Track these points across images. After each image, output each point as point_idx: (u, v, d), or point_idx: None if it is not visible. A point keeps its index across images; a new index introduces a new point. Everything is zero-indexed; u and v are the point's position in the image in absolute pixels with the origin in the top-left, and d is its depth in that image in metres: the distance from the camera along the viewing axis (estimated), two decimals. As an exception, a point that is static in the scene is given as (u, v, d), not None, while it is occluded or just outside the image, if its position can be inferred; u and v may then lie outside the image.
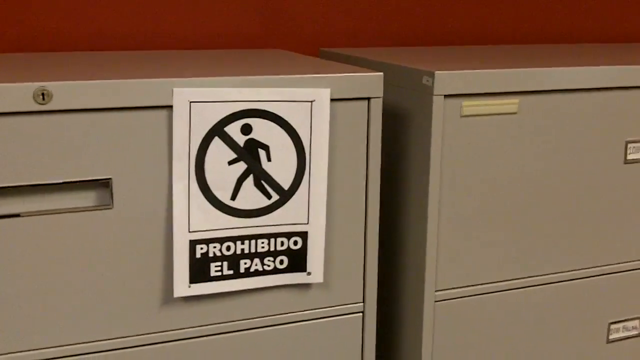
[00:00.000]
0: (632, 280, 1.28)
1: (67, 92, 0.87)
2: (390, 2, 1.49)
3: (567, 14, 1.64)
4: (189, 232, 0.96)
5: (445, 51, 1.39)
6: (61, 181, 0.90)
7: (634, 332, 1.31)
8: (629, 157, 1.22)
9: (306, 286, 1.05)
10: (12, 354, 0.92)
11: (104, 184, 0.92)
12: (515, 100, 1.12)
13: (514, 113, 1.12)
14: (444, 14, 1.54)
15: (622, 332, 1.30)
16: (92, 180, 0.91)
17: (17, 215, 0.89)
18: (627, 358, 1.32)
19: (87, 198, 0.92)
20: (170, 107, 0.92)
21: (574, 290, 1.24)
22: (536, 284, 1.21)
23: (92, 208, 0.92)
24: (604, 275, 1.26)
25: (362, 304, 1.09)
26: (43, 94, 0.86)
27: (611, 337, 1.29)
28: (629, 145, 1.22)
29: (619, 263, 1.27)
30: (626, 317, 1.30)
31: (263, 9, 1.41)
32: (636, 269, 1.28)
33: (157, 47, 1.36)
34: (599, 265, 1.25)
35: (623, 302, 1.29)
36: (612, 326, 1.29)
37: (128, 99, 0.90)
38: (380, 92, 1.02)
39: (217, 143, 0.95)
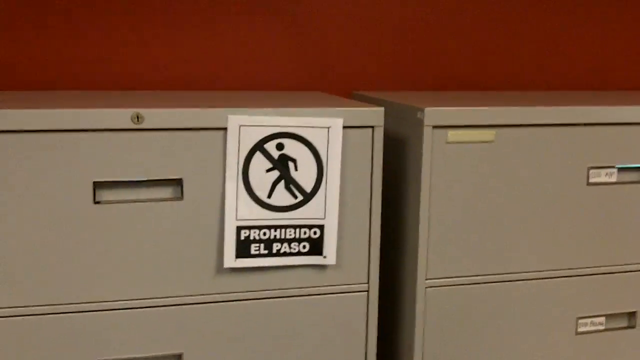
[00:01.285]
0: (598, 282, 1.60)
1: (154, 116, 1.28)
2: (414, 52, 1.87)
3: (542, 66, 1.98)
4: (236, 220, 1.35)
5: (448, 94, 1.76)
6: (148, 179, 1.30)
7: (600, 327, 1.62)
8: (591, 180, 1.55)
9: (322, 267, 1.42)
10: (125, 301, 1.32)
11: (178, 182, 1.32)
12: (492, 131, 1.47)
13: (491, 141, 1.48)
14: (454, 65, 1.91)
15: (590, 326, 1.61)
16: (169, 180, 1.31)
17: (126, 202, 1.30)
18: (593, 349, 1.62)
19: (166, 192, 1.32)
20: (226, 129, 1.32)
21: (546, 287, 1.57)
22: (513, 279, 1.54)
23: (169, 199, 1.32)
24: (574, 277, 1.58)
25: (367, 284, 1.45)
26: (138, 117, 1.27)
27: (579, 330, 1.60)
28: (590, 171, 1.55)
29: (587, 267, 1.58)
30: (594, 314, 1.61)
31: (307, 57, 1.81)
32: (600, 274, 1.59)
33: (220, 88, 1.77)
34: (569, 267, 1.57)
35: (590, 300, 1.60)
36: (580, 321, 1.60)
37: (196, 122, 1.30)
38: (381, 122, 1.40)
39: (258, 156, 1.34)
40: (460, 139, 1.46)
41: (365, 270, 1.45)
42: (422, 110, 1.43)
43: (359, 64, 1.85)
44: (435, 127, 1.44)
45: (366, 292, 1.46)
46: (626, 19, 2.02)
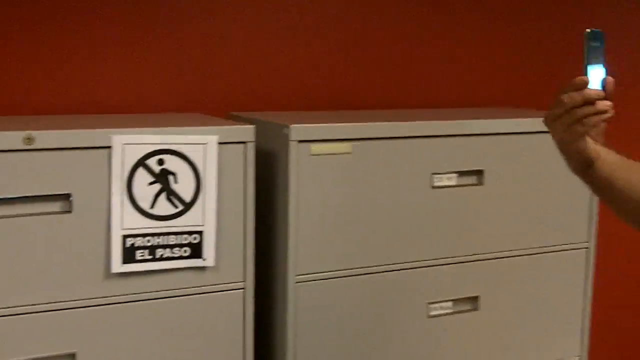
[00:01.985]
0: (446, 271, 1.86)
1: (45, 137, 1.42)
2: (283, 75, 2.08)
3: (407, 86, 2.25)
4: (122, 229, 1.50)
5: (313, 113, 1.98)
6: (40, 194, 1.44)
7: (449, 311, 1.88)
8: (434, 184, 1.81)
9: (203, 269, 1.60)
10: (21, 307, 1.44)
11: (67, 197, 1.47)
12: (349, 144, 1.70)
13: (349, 153, 1.71)
14: (320, 87, 2.13)
15: (439, 310, 1.87)
16: (58, 195, 1.46)
17: (18, 216, 1.43)
18: (443, 330, 1.88)
19: (56, 206, 1.47)
20: (110, 147, 1.48)
21: (401, 277, 1.81)
22: (373, 272, 1.77)
23: (59, 212, 1.46)
24: (425, 268, 1.83)
25: (243, 282, 1.64)
26: (29, 138, 1.41)
27: (430, 314, 1.86)
28: (434, 176, 1.81)
29: (435, 258, 1.84)
30: (442, 299, 1.87)
31: (185, 81, 1.98)
32: (447, 264, 1.86)
33: (105, 111, 1.91)
34: (420, 259, 1.82)
35: (439, 287, 1.86)
36: (430, 305, 1.86)
37: (84, 142, 1.45)
38: (252, 139, 1.60)
39: (140, 171, 1.50)
40: (322, 151, 1.68)
41: (241, 270, 1.64)
42: (288, 127, 1.64)
43: (234, 87, 2.04)
44: (300, 141, 1.65)
45: (243, 290, 1.65)
46: (463, 44, 2.31)
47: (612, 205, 1.25)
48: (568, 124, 1.08)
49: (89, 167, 1.47)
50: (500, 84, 2.37)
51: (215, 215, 1.58)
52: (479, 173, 1.87)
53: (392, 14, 2.19)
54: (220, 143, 1.57)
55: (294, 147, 1.65)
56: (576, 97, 1.05)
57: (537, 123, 1.71)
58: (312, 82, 2.12)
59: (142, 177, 1.51)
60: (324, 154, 1.69)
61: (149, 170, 1.51)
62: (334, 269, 1.73)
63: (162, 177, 1.52)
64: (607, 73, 1.09)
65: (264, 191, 1.74)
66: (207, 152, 1.55)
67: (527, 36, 2.39)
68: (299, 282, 1.70)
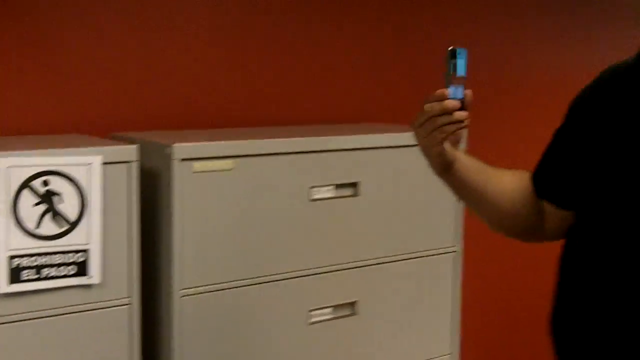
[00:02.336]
0: (325, 278, 1.98)
1: None
2: (166, 95, 2.14)
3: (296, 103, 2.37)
4: (8, 250, 1.53)
5: (196, 132, 2.06)
6: None
7: (328, 317, 2.00)
8: (313, 197, 1.93)
9: (89, 286, 1.64)
10: None
11: (-51, 220, 1.48)
12: (230, 161, 1.79)
13: (231, 169, 1.80)
14: (209, 104, 2.21)
15: (320, 316, 1.98)
16: (-59, 218, 1.47)
17: None
18: (324, 336, 2.00)
19: (-63, 230, 1.48)
20: (-6, 170, 1.50)
21: (283, 286, 1.91)
22: (256, 282, 1.87)
23: (-59, 236, 1.48)
24: (305, 277, 1.94)
25: (129, 298, 1.70)
26: None
27: (311, 320, 1.97)
28: (312, 189, 1.92)
29: (315, 267, 1.96)
30: (322, 306, 1.99)
31: (69, 103, 2.01)
32: (326, 272, 1.98)
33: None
34: (301, 268, 1.93)
35: (319, 294, 1.97)
36: (311, 312, 1.97)
37: (-35, 165, 1.47)
38: (135, 158, 1.67)
39: (25, 193, 1.54)
40: (204, 168, 1.76)
41: (127, 287, 1.70)
42: (170, 146, 1.71)
43: (116, 108, 2.08)
44: (182, 159, 1.73)
45: (129, 306, 1.71)
46: (338, 63, 2.45)
47: (471, 206, 1.41)
48: (429, 131, 1.21)
49: (-28, 190, 1.50)
50: (371, 100, 2.52)
51: (101, 233, 1.63)
52: (354, 185, 2.00)
53: (268, 33, 2.30)
54: (104, 163, 1.63)
55: (176, 166, 1.72)
56: (436, 107, 1.18)
57: (406, 137, 1.87)
58: (194, 101, 2.19)
59: (28, 199, 1.54)
60: (206, 171, 1.77)
61: (34, 191, 1.55)
62: (218, 282, 1.82)
63: (47, 198, 1.56)
64: (468, 86, 1.21)
65: (149, 209, 1.80)
66: (91, 173, 1.61)
67: (397, 54, 2.55)
68: (184, 295, 1.77)
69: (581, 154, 1.23)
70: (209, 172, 1.77)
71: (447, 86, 1.20)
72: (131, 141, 1.78)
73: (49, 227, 1.57)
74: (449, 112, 1.18)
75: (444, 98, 1.18)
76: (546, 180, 1.34)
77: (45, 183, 1.56)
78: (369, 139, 2.03)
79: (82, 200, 1.60)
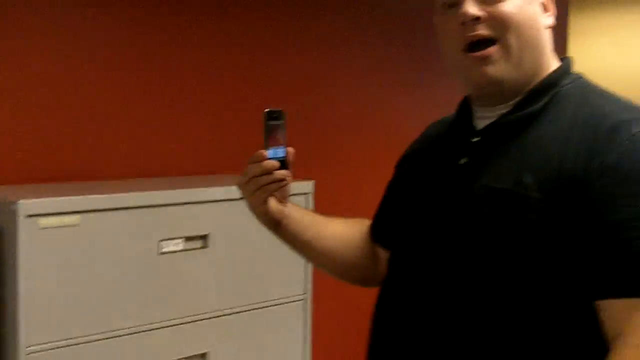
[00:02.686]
0: (175, 330, 2.02)
1: None
2: (12, 147, 2.14)
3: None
4: None
5: (44, 186, 2.07)
6: None
7: (181, 368, 2.04)
8: (162, 250, 1.98)
9: None
10: None
11: None
12: (77, 216, 1.82)
13: (77, 224, 1.82)
14: (54, 157, 2.22)
15: (172, 368, 2.02)
16: None
17: None
18: (177, 386, 2.04)
19: None
20: None
21: (134, 340, 1.94)
22: (104, 337, 1.88)
23: None
24: (155, 330, 1.98)
25: (-28, 358, 1.68)
26: None
27: (164, 372, 2.01)
28: (161, 242, 1.98)
29: (164, 320, 2.00)
30: (173, 358, 2.02)
31: None
32: (175, 325, 2.02)
33: None
34: (151, 322, 1.97)
35: (169, 347, 2.01)
36: (163, 364, 2.01)
37: None
38: (-22, 215, 1.66)
39: None
40: (51, 224, 1.78)
41: (-31, 345, 1.68)
42: (16, 203, 1.73)
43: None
44: (28, 216, 1.74)
45: (-28, 365, 1.68)
46: (182, 115, 2.53)
47: (308, 259, 1.50)
48: (252, 191, 1.26)
49: None
50: (218, 152, 2.61)
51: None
52: (204, 237, 2.07)
53: (107, 86, 2.33)
54: (-56, 221, 1.62)
55: (22, 222, 1.74)
56: (256, 168, 1.23)
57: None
58: (39, 154, 2.19)
59: None
60: (52, 227, 1.79)
61: None
62: (66, 338, 1.82)
63: None
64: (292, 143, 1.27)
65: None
66: None
67: (242, 105, 2.67)
68: (31, 352, 1.77)
69: (397, 200, 1.35)
70: (56, 228, 1.79)
71: (265, 147, 1.24)
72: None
73: None
74: (269, 172, 1.23)
75: (263, 159, 1.23)
76: (376, 225, 1.45)
77: None
78: (217, 191, 2.11)
79: None
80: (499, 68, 1.13)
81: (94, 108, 2.30)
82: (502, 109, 1.18)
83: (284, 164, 1.25)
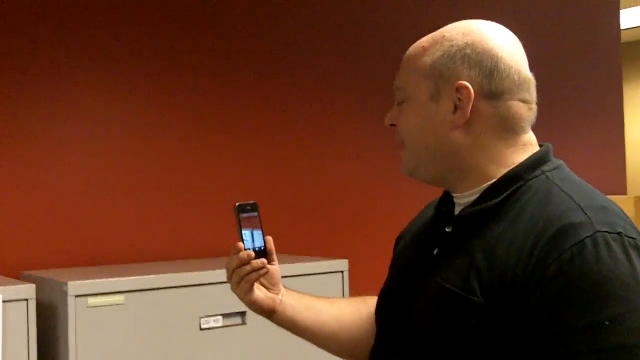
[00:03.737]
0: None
1: None
2: (69, 236, 2.40)
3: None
4: None
5: (94, 269, 2.31)
6: None
7: None
8: (202, 326, 2.16)
9: (-13, 415, 1.83)
10: None
11: None
12: (122, 296, 2.04)
13: (122, 303, 2.04)
14: (99, 244, 2.48)
15: None
16: None
17: None
18: None
19: None
20: None
21: (176, 412, 2.11)
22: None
23: None
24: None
25: None
26: None
27: None
28: (202, 319, 2.16)
29: (206, 393, 2.16)
30: None
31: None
32: (217, 396, 2.18)
33: None
34: (192, 395, 2.14)
35: (211, 419, 2.17)
36: None
37: None
38: (33, 296, 1.90)
39: None
40: (98, 303, 2.00)
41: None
42: (66, 284, 1.96)
43: (25, 248, 2.34)
44: (77, 296, 1.97)
45: None
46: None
47: (309, 341, 1.49)
48: (236, 283, 1.32)
49: None
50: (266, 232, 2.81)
51: (-1, 365, 1.84)
52: (242, 314, 2.24)
53: (143, 176, 2.61)
54: (3, 301, 1.86)
55: (71, 302, 1.96)
56: (233, 261, 1.30)
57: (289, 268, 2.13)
58: (87, 239, 2.46)
59: None
60: (99, 306, 2.01)
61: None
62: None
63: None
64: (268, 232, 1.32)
65: (47, 340, 2.02)
66: (-9, 310, 1.84)
67: (277, 186, 2.87)
68: (79, 421, 1.96)
69: (387, 281, 1.39)
70: (103, 307, 2.01)
71: (240, 238, 1.30)
72: (33, 280, 2.02)
73: (-50, 361, 1.79)
74: (247, 262, 1.28)
75: (238, 251, 1.29)
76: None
77: (-53, 321, 1.79)
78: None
79: (-19, 335, 1.82)
80: (406, 166, 1.23)
81: (137, 196, 2.56)
82: (471, 196, 1.19)
83: (262, 252, 1.31)
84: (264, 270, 1.31)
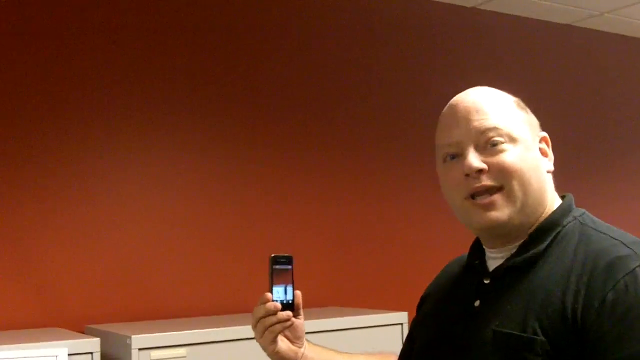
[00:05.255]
0: None
1: None
2: (131, 292, 2.49)
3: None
4: None
5: (156, 322, 2.39)
6: None
7: None
8: (262, 379, 2.20)
9: None
10: None
11: None
12: (184, 349, 2.10)
13: (184, 357, 2.10)
14: (158, 299, 2.55)
15: None
16: None
17: None
18: None
19: None
20: (-27, 363, 1.82)
21: None
22: None
23: None
24: None
25: None
26: None
27: None
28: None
29: None
30: None
31: (45, 300, 2.36)
32: None
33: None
34: None
35: None
36: None
37: (-51, 360, 1.79)
38: (97, 349, 1.98)
39: (-1, 382, 1.84)
40: (161, 356, 2.07)
41: None
42: (130, 337, 2.03)
43: (90, 303, 2.43)
44: (140, 349, 2.04)
45: None
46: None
47: None
48: (260, 332, 1.34)
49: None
50: (326, 285, 2.85)
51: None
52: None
53: (208, 232, 2.69)
54: (70, 354, 1.94)
55: (135, 354, 2.03)
56: (260, 310, 1.33)
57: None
58: (149, 295, 2.55)
59: (0, 389, 1.85)
60: (162, 359, 2.07)
61: (6, 382, 1.85)
62: None
63: (17, 388, 1.87)
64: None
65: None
66: (58, 363, 1.92)
67: (361, 241, 2.92)
68: None
69: (419, 341, 1.38)
70: (166, 359, 2.08)
71: (270, 289, 1.34)
72: (98, 333, 2.10)
73: (20, 413, 1.86)
74: (273, 313, 1.31)
75: (266, 301, 1.33)
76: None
77: (15, 375, 1.87)
78: (312, 324, 2.33)
79: (48, 388, 1.90)
80: (502, 213, 1.21)
81: (197, 252, 2.65)
82: (510, 250, 1.24)
83: (289, 305, 1.34)
84: (288, 323, 1.34)
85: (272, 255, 1.37)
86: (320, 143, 2.95)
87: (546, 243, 1.21)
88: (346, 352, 1.50)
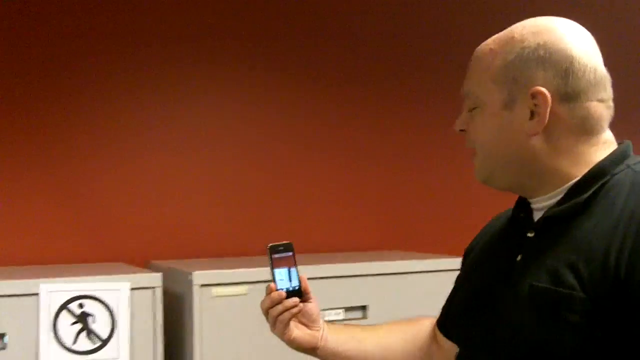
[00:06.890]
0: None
1: (-17, 287, 1.84)
2: (195, 227, 2.53)
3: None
4: (48, 363, 1.89)
5: (217, 260, 2.42)
6: (-23, 335, 1.84)
7: None
8: (324, 319, 2.22)
9: (118, 397, 1.97)
10: None
11: (1, 336, 1.86)
12: (245, 287, 2.13)
13: (245, 294, 2.13)
14: (220, 237, 2.59)
15: None
16: (-6, 335, 1.86)
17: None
18: None
19: (-9, 345, 1.86)
20: (38, 294, 1.89)
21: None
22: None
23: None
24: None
25: (153, 409, 2.02)
26: (-29, 289, 1.82)
27: None
28: (323, 312, 2.22)
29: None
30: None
31: (104, 232, 2.43)
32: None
33: (31, 262, 2.34)
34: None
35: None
36: None
37: (16, 290, 1.87)
38: (159, 284, 2.03)
39: (64, 314, 1.91)
40: (222, 293, 2.11)
41: (151, 397, 2.02)
42: (191, 274, 2.07)
43: (152, 239, 2.49)
44: (202, 285, 2.08)
45: (154, 415, 2.02)
46: (347, 194, 2.81)
47: None
48: (272, 322, 1.35)
49: (21, 311, 1.88)
50: (383, 230, 2.85)
51: (129, 349, 1.98)
52: (364, 308, 2.29)
53: (281, 170, 2.70)
54: (132, 289, 1.99)
55: (197, 291, 2.07)
56: (266, 302, 1.35)
57: (411, 264, 2.16)
58: (217, 233, 2.58)
59: (65, 319, 1.91)
60: (224, 296, 2.11)
61: (71, 312, 1.92)
62: (235, 396, 2.12)
63: (82, 318, 1.93)
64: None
65: (173, 328, 2.14)
66: (121, 297, 1.97)
67: (415, 188, 2.90)
68: (203, 408, 2.08)
69: (462, 295, 1.35)
70: (227, 297, 2.11)
71: (273, 278, 1.34)
72: (159, 269, 2.15)
73: (84, 343, 1.93)
74: (278, 302, 1.33)
75: (271, 291, 1.34)
76: (442, 318, 1.44)
77: (81, 305, 1.93)
78: (374, 266, 2.34)
79: (112, 321, 1.96)
80: (479, 175, 1.23)
81: (261, 193, 2.67)
82: (553, 198, 1.18)
83: (297, 292, 1.35)
84: (296, 309, 1.34)
85: (269, 245, 1.37)
86: (392, 103, 2.92)
87: (589, 193, 1.13)
88: (369, 326, 1.51)
